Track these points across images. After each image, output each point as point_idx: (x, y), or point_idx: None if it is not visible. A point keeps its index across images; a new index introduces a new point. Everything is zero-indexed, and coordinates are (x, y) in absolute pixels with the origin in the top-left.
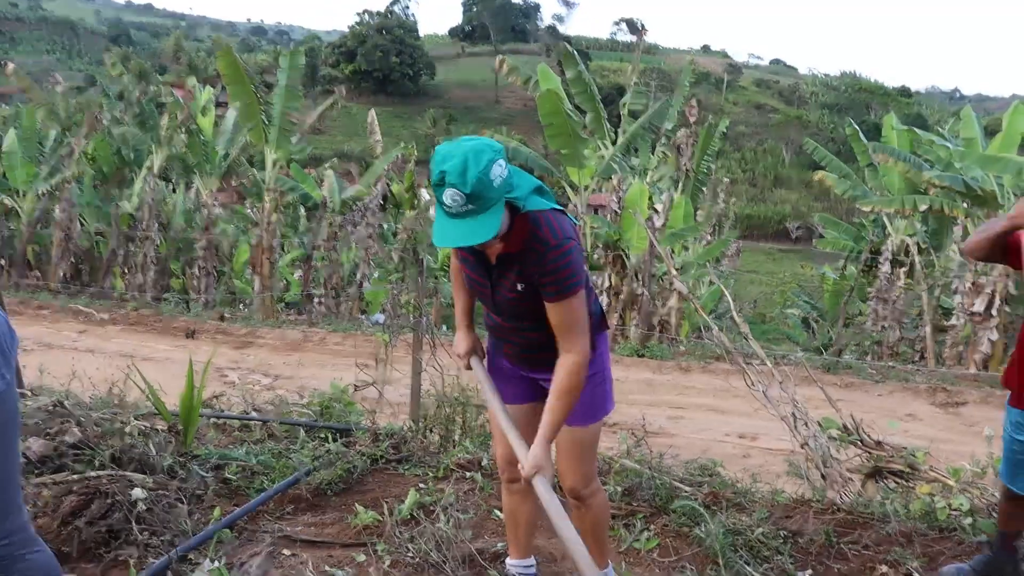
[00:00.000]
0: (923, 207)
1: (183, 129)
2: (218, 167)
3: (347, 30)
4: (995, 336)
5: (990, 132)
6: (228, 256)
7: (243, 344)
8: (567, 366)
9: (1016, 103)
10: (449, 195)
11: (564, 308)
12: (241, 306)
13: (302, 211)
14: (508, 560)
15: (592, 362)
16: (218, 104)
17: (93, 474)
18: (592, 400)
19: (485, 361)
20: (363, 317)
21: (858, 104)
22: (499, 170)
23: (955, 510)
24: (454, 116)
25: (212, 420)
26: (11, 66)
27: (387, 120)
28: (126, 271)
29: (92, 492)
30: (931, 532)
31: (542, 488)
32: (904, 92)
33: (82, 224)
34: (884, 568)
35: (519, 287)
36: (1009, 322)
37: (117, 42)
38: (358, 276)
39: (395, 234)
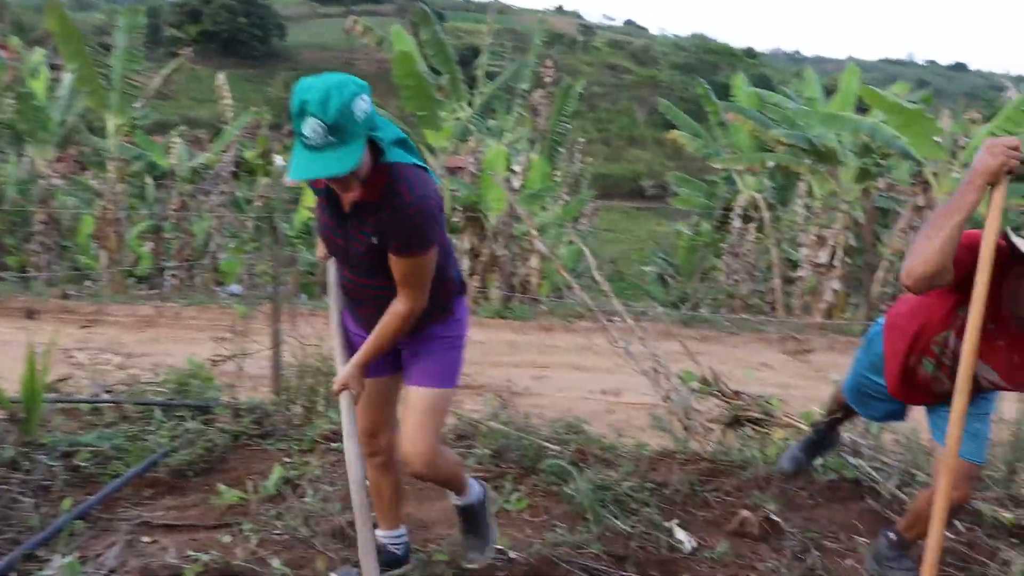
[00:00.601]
0: (771, 164)
1: (12, 93)
2: (54, 134)
3: None
4: (838, 286)
5: (829, 92)
6: (70, 230)
7: (91, 322)
8: (394, 311)
9: (850, 64)
10: (309, 125)
11: (409, 264)
12: (88, 282)
13: (149, 180)
14: (378, 531)
15: (450, 326)
16: (53, 67)
17: None
18: (447, 362)
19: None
20: (219, 289)
21: (707, 65)
22: (363, 104)
23: None
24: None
25: (58, 405)
26: None
27: (237, 84)
28: None
29: None
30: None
31: (345, 406)
32: (750, 53)
33: None
34: (745, 512)
35: (373, 240)
36: (850, 272)
37: None
38: (212, 247)
39: (249, 202)
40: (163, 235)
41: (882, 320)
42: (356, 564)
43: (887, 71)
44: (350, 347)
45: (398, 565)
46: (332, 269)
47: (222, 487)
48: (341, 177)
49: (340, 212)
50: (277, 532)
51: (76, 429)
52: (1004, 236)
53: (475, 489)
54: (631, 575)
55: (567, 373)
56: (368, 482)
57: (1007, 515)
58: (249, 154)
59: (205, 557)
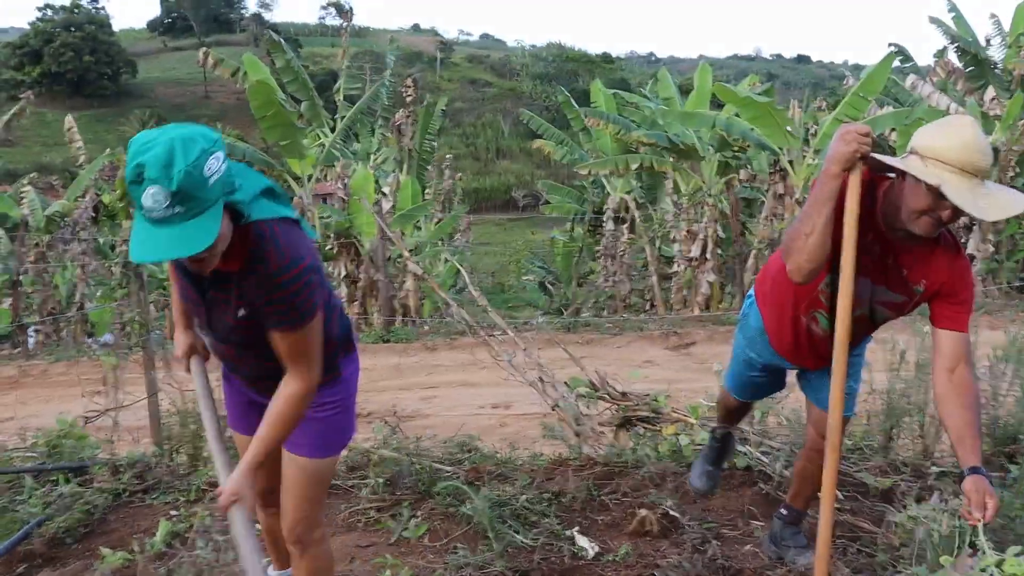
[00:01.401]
0: (635, 165)
1: None
2: None
3: (28, 27)
4: (712, 278)
5: (684, 91)
6: None
7: None
8: (287, 394)
9: (702, 63)
10: (150, 195)
11: (292, 338)
12: None
13: (1, 233)
14: (270, 571)
15: (334, 389)
16: None
17: None
18: (328, 430)
19: (207, 363)
20: (90, 340)
21: (566, 72)
22: (216, 163)
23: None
24: (162, 115)
25: None
26: None
27: (89, 125)
28: None
29: None
30: (682, 469)
31: (238, 520)
32: (606, 58)
33: None
34: (643, 511)
35: (240, 312)
36: (722, 263)
37: None
38: (77, 297)
39: (113, 248)
40: (22, 289)
41: (751, 294)
42: None
43: (737, 67)
44: (230, 393)
45: None
46: (196, 372)
47: (105, 551)
48: (196, 255)
49: (199, 282)
50: None
51: None
52: (866, 162)
53: None
54: None
55: (455, 391)
56: (261, 527)
57: (886, 481)
58: (108, 198)
59: None
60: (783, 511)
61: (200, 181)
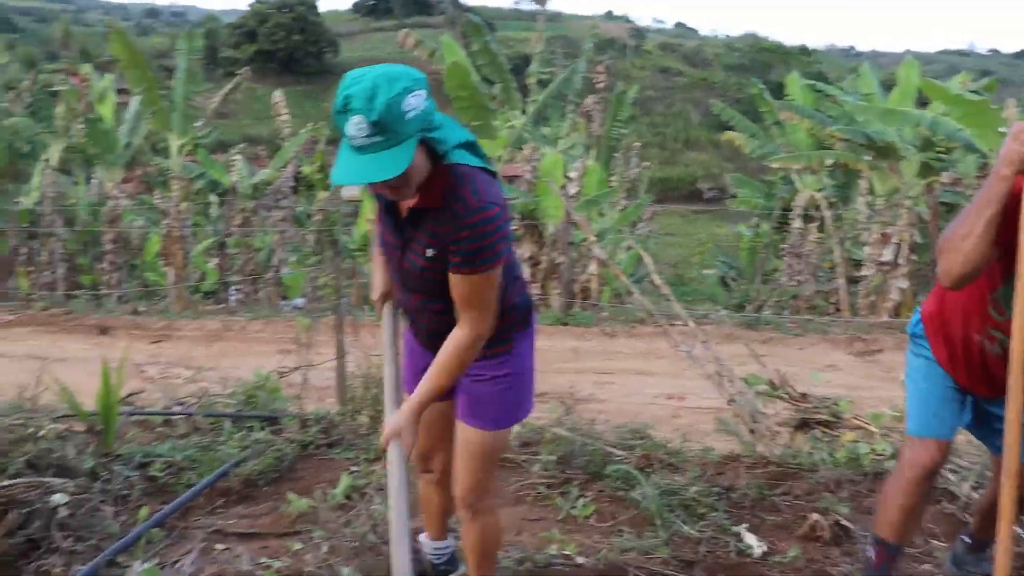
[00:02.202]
0: (829, 162)
1: (81, 118)
2: (121, 157)
3: (246, 9)
4: (904, 284)
5: (886, 87)
6: (138, 248)
7: (161, 337)
8: (456, 340)
9: (908, 57)
10: (353, 123)
11: (471, 283)
12: (155, 298)
13: (212, 198)
14: (421, 536)
15: (505, 362)
16: (119, 91)
17: (6, 483)
18: (501, 403)
19: (402, 353)
20: (283, 303)
21: (760, 64)
22: (416, 101)
23: (879, 455)
24: None
25: (133, 418)
26: None
27: (294, 100)
28: (31, 270)
29: (6, 502)
30: (858, 478)
31: (393, 456)
32: (804, 51)
33: None
34: (815, 516)
35: (428, 252)
36: (916, 270)
37: None
38: (275, 261)
39: (309, 216)
40: (227, 251)
41: (918, 311)
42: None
43: (948, 62)
44: (410, 353)
45: (445, 573)
46: (387, 315)
47: (292, 496)
48: (391, 182)
49: (398, 220)
50: (347, 540)
51: (150, 441)
52: None
53: None
54: None
55: (631, 378)
56: (420, 495)
57: None
58: (307, 169)
59: (277, 564)
60: (966, 537)
61: (398, 114)
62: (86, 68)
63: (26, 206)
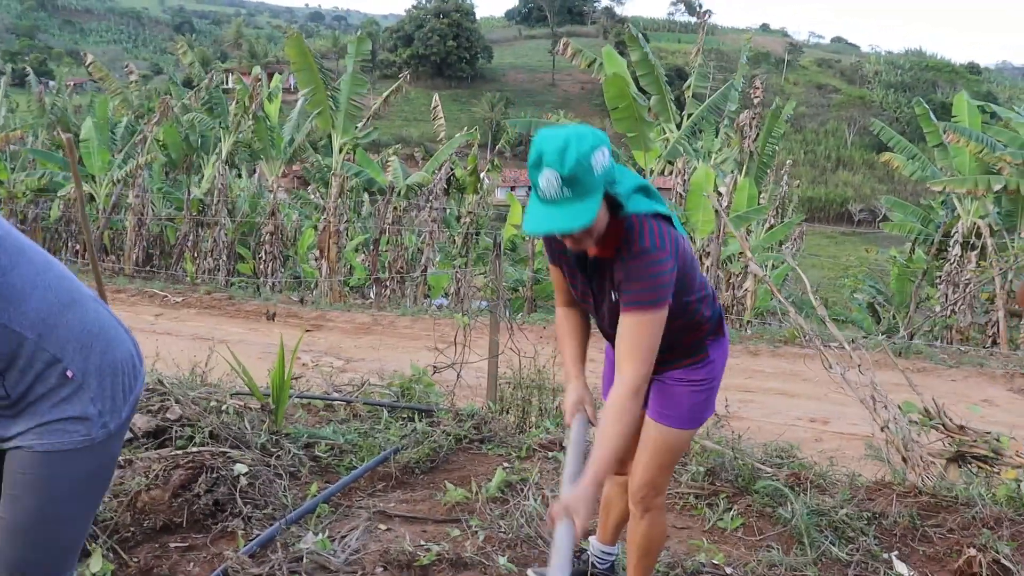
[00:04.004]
0: (997, 187)
1: (250, 115)
2: (283, 153)
3: (404, 14)
4: None
5: None
6: (292, 240)
7: (314, 327)
8: (614, 396)
9: None
10: (545, 177)
11: (631, 321)
12: (306, 290)
13: (365, 196)
14: (592, 538)
15: (701, 367)
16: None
17: (195, 449)
18: (692, 405)
19: (590, 425)
20: (427, 301)
21: (924, 82)
22: (601, 158)
23: None
24: (511, 100)
25: (298, 400)
26: (90, 57)
27: (445, 104)
28: (196, 256)
29: (198, 466)
30: (1019, 518)
31: (562, 531)
32: (972, 69)
33: (152, 209)
34: (972, 551)
35: (613, 296)
36: None
37: (180, 30)
38: (423, 260)
39: (458, 218)
40: (379, 248)
41: None
42: None
43: None
44: (610, 378)
45: None
46: (577, 427)
47: (449, 485)
48: (576, 234)
49: (585, 266)
50: (502, 531)
51: (313, 423)
52: None
53: None
54: None
55: (773, 398)
56: (602, 494)
57: None
58: (460, 172)
59: (437, 547)
60: None
61: (587, 169)
62: (257, 68)
63: (196, 196)
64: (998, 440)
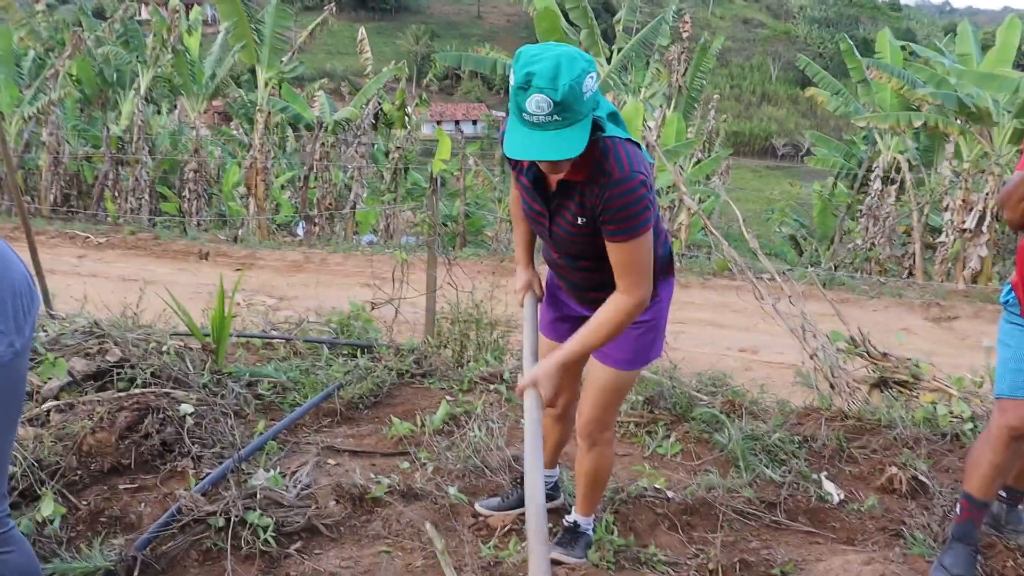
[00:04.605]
0: (918, 123)
1: (169, 49)
2: (205, 88)
3: None
4: (985, 252)
5: (984, 47)
6: (215, 178)
7: (244, 266)
8: (617, 304)
9: (1010, 17)
10: (535, 101)
11: (625, 249)
12: (232, 228)
13: (290, 132)
14: None
15: (649, 308)
16: (204, 23)
17: (138, 391)
18: (638, 345)
19: (540, 305)
20: (355, 237)
21: (847, 18)
22: (591, 82)
23: (956, 417)
24: (436, 32)
25: (237, 339)
26: None
27: (370, 36)
28: (116, 195)
29: (143, 408)
30: (935, 437)
31: (529, 404)
32: (894, 6)
33: (67, 147)
34: (893, 469)
35: (579, 220)
36: (998, 238)
37: None
38: (351, 196)
39: (386, 154)
40: (307, 185)
41: (1008, 286)
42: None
43: None
44: (550, 300)
45: (547, 499)
46: (528, 305)
47: (395, 419)
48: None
49: (544, 191)
50: (450, 462)
51: (254, 362)
52: None
53: (591, 527)
54: (781, 520)
55: (703, 329)
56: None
57: None
58: (388, 106)
59: (387, 480)
60: (1002, 492)
61: (579, 95)
62: (173, 1)
63: (115, 133)
64: (917, 366)
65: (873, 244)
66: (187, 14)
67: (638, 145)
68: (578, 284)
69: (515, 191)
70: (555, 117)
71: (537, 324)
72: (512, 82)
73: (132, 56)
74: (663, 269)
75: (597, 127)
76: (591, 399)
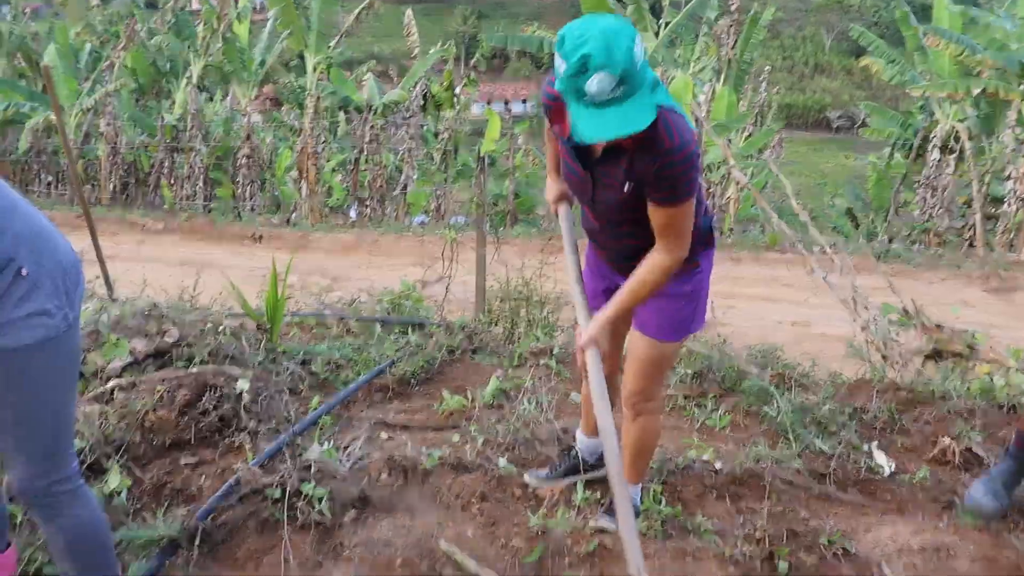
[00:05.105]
0: (977, 90)
1: (220, 37)
2: (255, 74)
3: None
4: None
5: None
6: (268, 163)
7: (298, 248)
8: (654, 261)
9: None
10: (597, 80)
11: (669, 214)
12: (285, 212)
13: (340, 116)
14: (578, 432)
15: (689, 279)
16: (254, 11)
17: (196, 370)
18: (678, 316)
19: (584, 272)
20: (407, 218)
21: None
22: (639, 49)
23: (1013, 389)
24: (483, 12)
25: (292, 319)
26: None
27: (416, 18)
28: (173, 182)
29: (201, 385)
30: (991, 409)
31: (592, 361)
32: None
33: (124, 137)
34: (947, 440)
35: (626, 187)
36: None
37: None
38: (402, 178)
39: (436, 135)
40: (358, 167)
41: None
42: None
43: None
44: (590, 268)
45: (595, 469)
46: (564, 216)
47: (446, 394)
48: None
49: (590, 157)
50: (499, 435)
51: (308, 341)
52: None
53: (639, 496)
54: (831, 491)
55: (755, 304)
56: (582, 392)
57: None
58: (436, 88)
59: (438, 452)
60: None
61: (634, 63)
62: None
63: (170, 122)
64: (973, 337)
65: (931, 215)
66: (236, 2)
67: (683, 115)
68: (619, 252)
69: (552, 144)
70: (618, 91)
71: (575, 242)
72: (563, 69)
73: (184, 45)
74: (703, 240)
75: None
76: (634, 370)
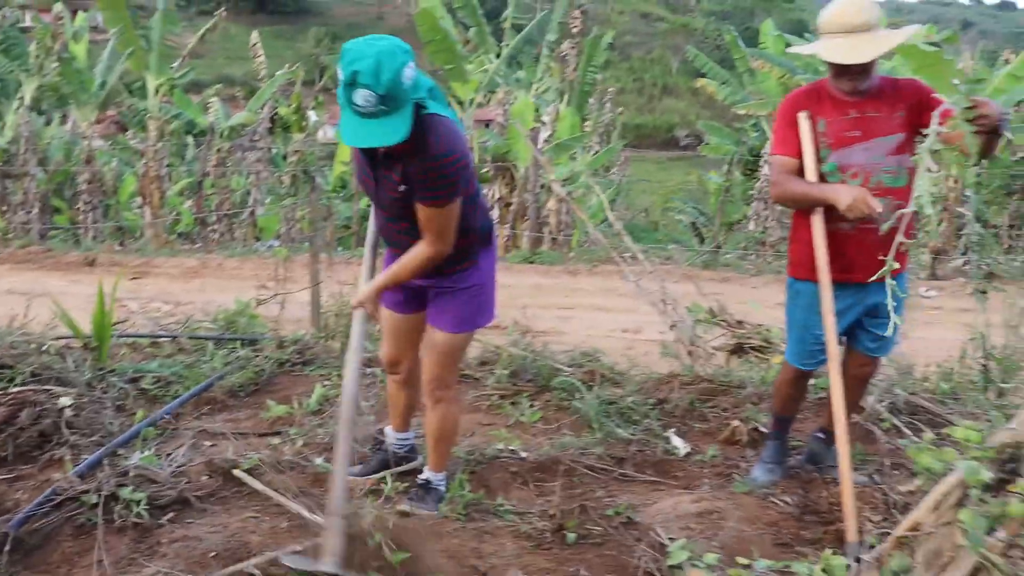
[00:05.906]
0: None
1: (55, 57)
2: (95, 97)
3: None
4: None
5: None
6: (112, 189)
7: (140, 274)
8: (417, 250)
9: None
10: (362, 96)
11: (431, 213)
12: (129, 238)
13: (188, 139)
14: (387, 429)
15: (472, 274)
16: (93, 30)
17: (15, 389)
18: (464, 310)
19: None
20: (257, 244)
21: (741, 10)
22: (410, 72)
23: None
24: (337, 34)
25: (123, 339)
26: None
27: (268, 41)
28: (5, 210)
29: (20, 403)
30: None
31: (356, 320)
32: None
33: None
34: (736, 423)
35: (400, 188)
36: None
37: None
38: (250, 202)
39: (285, 157)
40: (203, 192)
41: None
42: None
43: (929, 12)
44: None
45: (405, 461)
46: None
47: (271, 402)
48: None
49: (373, 158)
50: (320, 438)
51: (139, 360)
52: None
53: (443, 483)
54: (629, 473)
55: (591, 314)
56: (388, 394)
57: None
58: (284, 110)
59: (257, 455)
60: (820, 434)
61: (399, 85)
62: (58, 5)
63: (1, 145)
64: (769, 331)
65: (764, 228)
66: (72, 20)
67: (455, 120)
68: (402, 246)
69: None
70: (381, 107)
71: (373, 248)
72: (340, 78)
73: (14, 65)
74: (482, 240)
75: (420, 106)
76: (430, 360)
